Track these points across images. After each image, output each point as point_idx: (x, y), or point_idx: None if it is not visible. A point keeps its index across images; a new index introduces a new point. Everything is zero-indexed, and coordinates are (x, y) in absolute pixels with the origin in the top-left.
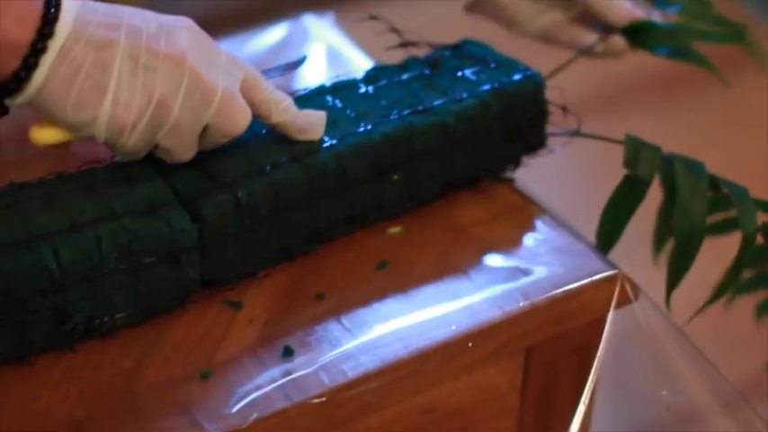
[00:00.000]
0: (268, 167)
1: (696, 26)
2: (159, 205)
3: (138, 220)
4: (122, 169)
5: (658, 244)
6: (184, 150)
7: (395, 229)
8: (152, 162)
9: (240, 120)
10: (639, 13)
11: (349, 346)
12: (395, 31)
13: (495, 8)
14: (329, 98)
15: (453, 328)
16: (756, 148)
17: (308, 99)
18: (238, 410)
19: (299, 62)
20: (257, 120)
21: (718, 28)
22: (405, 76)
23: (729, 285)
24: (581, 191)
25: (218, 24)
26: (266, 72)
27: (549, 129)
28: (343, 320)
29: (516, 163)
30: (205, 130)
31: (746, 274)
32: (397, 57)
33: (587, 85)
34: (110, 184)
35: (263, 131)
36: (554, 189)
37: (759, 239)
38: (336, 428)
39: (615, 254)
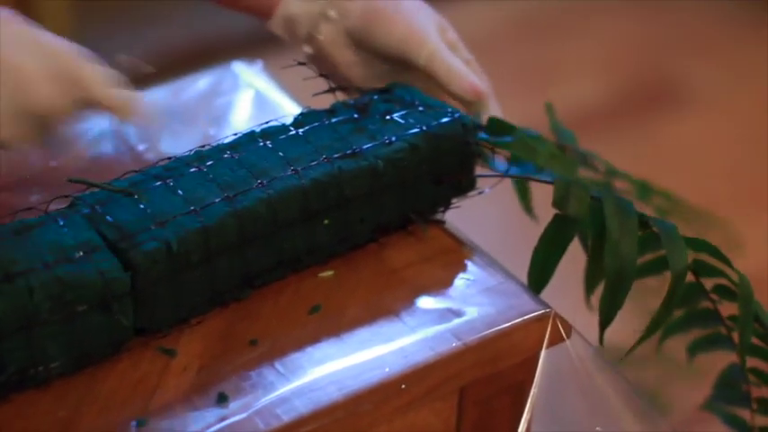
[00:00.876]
0: (199, 215)
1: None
2: (91, 254)
3: (70, 269)
4: (54, 219)
5: (589, 284)
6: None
7: (327, 273)
8: (83, 211)
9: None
10: (482, 86)
11: (283, 390)
12: (323, 76)
13: (333, 68)
14: (260, 143)
15: (387, 370)
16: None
17: (239, 145)
18: None
19: None
20: (195, 164)
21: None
22: (333, 120)
23: (660, 323)
24: (512, 231)
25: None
26: None
27: (479, 170)
28: (277, 365)
29: (446, 205)
30: None
31: (678, 312)
32: (326, 102)
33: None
34: (41, 234)
35: (191, 169)
36: (485, 230)
37: (690, 277)
38: None
39: (552, 294)
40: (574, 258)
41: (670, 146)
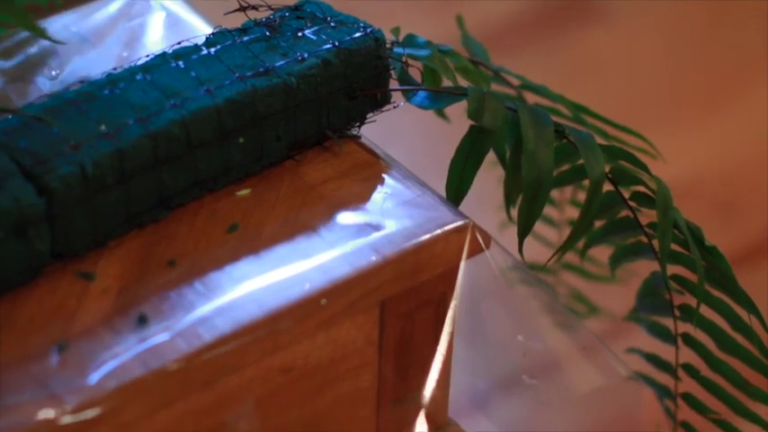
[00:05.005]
0: (113, 137)
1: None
2: (5, 181)
3: None
4: None
5: (509, 196)
6: None
7: (244, 192)
8: None
9: None
10: None
11: (204, 309)
12: None
13: None
14: (173, 64)
15: (307, 286)
16: (598, 98)
17: (152, 67)
18: (97, 381)
19: None
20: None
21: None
22: (245, 39)
23: (580, 232)
24: (429, 145)
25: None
26: None
27: (394, 84)
28: (197, 285)
29: (362, 119)
30: None
31: (599, 224)
32: (237, 21)
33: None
34: None
35: (104, 92)
36: (402, 144)
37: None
38: (196, 392)
39: (474, 214)
40: (495, 178)
41: (588, 59)
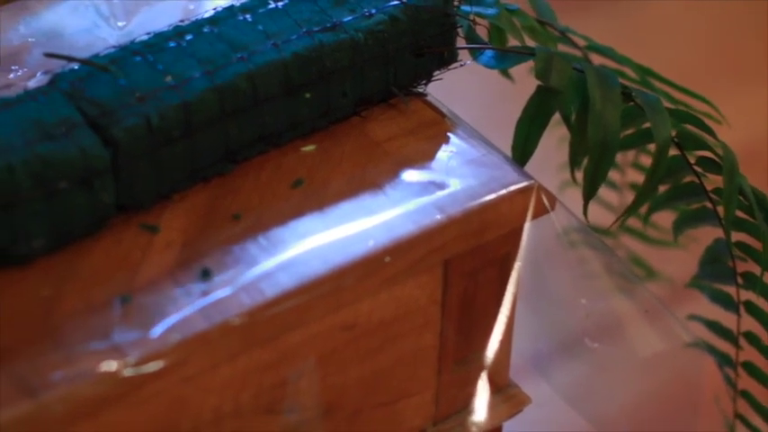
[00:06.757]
0: (179, 90)
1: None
2: (71, 131)
3: (50, 146)
4: (34, 96)
5: (574, 158)
6: None
7: (309, 147)
8: (63, 88)
9: None
10: None
11: (267, 264)
12: None
13: None
14: (240, 17)
15: (371, 243)
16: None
17: (218, 20)
18: (160, 334)
19: None
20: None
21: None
22: None
23: (646, 196)
24: (495, 104)
25: None
26: None
27: (461, 42)
28: (261, 240)
29: (428, 77)
30: None
31: (663, 188)
32: None
33: None
34: (21, 111)
35: (171, 44)
36: (468, 103)
37: (674, 151)
38: (257, 347)
39: (546, 174)
40: (555, 138)
41: (653, 21)
